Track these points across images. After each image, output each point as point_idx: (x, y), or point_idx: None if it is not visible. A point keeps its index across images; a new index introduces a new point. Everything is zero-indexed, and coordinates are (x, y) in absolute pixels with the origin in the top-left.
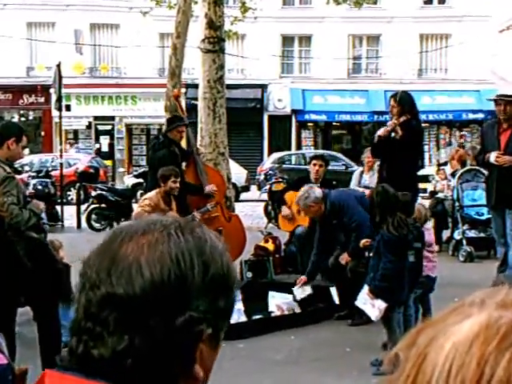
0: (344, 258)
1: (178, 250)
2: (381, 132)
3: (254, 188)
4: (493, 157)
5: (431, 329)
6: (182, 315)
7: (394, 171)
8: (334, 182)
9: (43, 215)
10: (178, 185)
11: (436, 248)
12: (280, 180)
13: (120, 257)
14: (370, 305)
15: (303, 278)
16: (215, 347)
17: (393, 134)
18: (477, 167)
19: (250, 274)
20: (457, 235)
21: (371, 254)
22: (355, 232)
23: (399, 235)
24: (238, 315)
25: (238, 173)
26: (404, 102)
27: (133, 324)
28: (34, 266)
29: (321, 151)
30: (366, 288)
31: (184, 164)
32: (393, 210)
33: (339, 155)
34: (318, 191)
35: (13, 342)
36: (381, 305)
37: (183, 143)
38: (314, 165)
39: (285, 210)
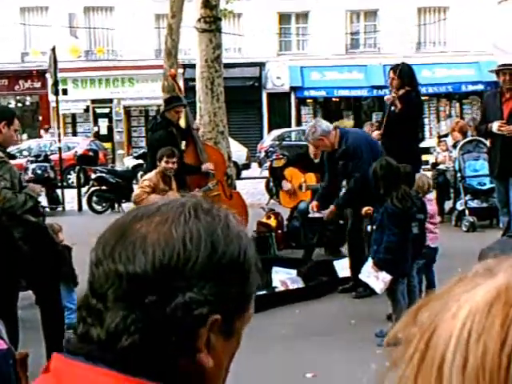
0: (330, 209)
1: (186, 228)
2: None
3: (254, 165)
4: (495, 126)
5: (435, 302)
6: (180, 296)
7: (393, 144)
8: None
9: (43, 199)
10: (171, 165)
11: (438, 219)
12: (281, 157)
13: (128, 234)
14: (374, 277)
15: (315, 203)
16: (229, 338)
17: (392, 108)
18: (478, 138)
19: None
20: (459, 206)
21: (374, 227)
22: (352, 185)
23: (403, 208)
24: None
25: (238, 151)
26: (404, 74)
27: (129, 302)
28: (33, 249)
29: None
30: (370, 261)
31: (184, 143)
32: (397, 182)
33: None
34: (324, 124)
35: (16, 327)
36: (385, 277)
37: (182, 123)
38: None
39: (286, 185)
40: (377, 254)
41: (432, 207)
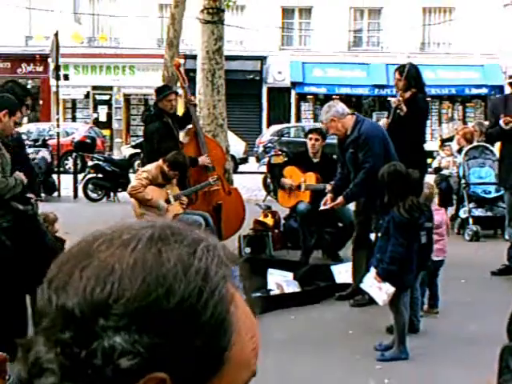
0: (337, 201)
1: (131, 255)
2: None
3: (252, 160)
4: (501, 122)
5: None
6: (103, 339)
7: (397, 148)
8: (335, 156)
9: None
10: (172, 174)
11: (443, 228)
12: (279, 153)
13: (77, 255)
14: (377, 288)
15: (330, 195)
16: None
17: (397, 111)
18: (484, 144)
19: (248, 250)
20: (463, 214)
21: (379, 234)
22: (362, 177)
23: (411, 218)
24: None
25: (236, 144)
26: (410, 75)
27: (49, 335)
28: (20, 238)
29: (319, 124)
30: (372, 270)
31: (184, 133)
32: (405, 191)
33: None
34: (340, 106)
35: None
36: (389, 289)
37: (180, 111)
38: (310, 139)
39: (286, 182)
40: (380, 263)
41: (438, 217)
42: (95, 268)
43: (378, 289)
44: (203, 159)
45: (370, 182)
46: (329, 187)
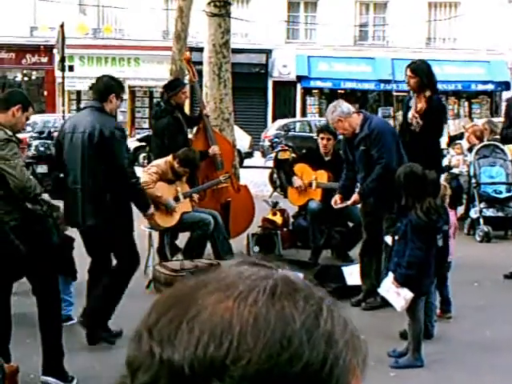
0: (353, 198)
1: (251, 311)
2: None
3: (257, 154)
4: None
5: None
6: None
7: (415, 149)
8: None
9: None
10: (182, 170)
11: (452, 230)
12: (286, 148)
13: (181, 304)
14: (395, 293)
15: (338, 196)
16: None
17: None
18: (495, 142)
19: (257, 249)
20: (473, 214)
21: (396, 238)
22: (378, 171)
23: (429, 220)
24: None
25: (241, 139)
26: (422, 73)
27: None
28: (28, 237)
29: (325, 119)
30: (390, 275)
31: (194, 130)
32: (422, 193)
33: None
34: (345, 106)
35: (8, 320)
36: (407, 294)
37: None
38: (322, 138)
39: (297, 181)
40: (398, 268)
41: (452, 218)
42: (207, 321)
43: (396, 294)
44: (213, 149)
45: (385, 178)
46: (356, 197)
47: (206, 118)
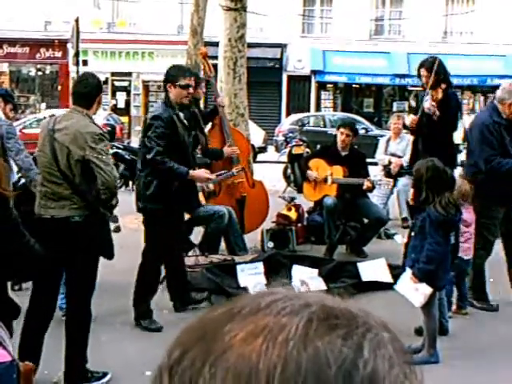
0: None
1: (281, 353)
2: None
3: (271, 149)
4: None
5: None
6: None
7: (431, 144)
8: (356, 146)
9: None
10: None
11: (473, 226)
12: (300, 143)
13: (208, 338)
14: (413, 289)
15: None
16: None
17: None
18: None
19: (271, 244)
20: None
21: (413, 234)
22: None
23: (447, 215)
24: (260, 290)
25: (255, 133)
26: (441, 70)
27: None
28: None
29: (340, 114)
30: (408, 271)
31: (209, 126)
32: (442, 187)
33: (359, 118)
34: None
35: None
36: (426, 290)
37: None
38: (342, 133)
39: (312, 174)
40: (416, 263)
41: (470, 215)
42: (232, 365)
43: (414, 290)
44: (228, 150)
45: None
46: (368, 184)
47: (221, 108)
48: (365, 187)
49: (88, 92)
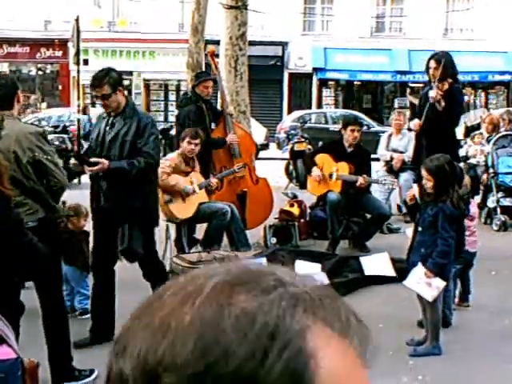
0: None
1: (188, 314)
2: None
3: (273, 146)
4: None
5: None
6: None
7: (434, 139)
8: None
9: None
10: (193, 147)
11: (476, 220)
12: (302, 140)
13: (140, 315)
14: (426, 284)
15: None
16: None
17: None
18: None
19: (274, 240)
20: (490, 203)
21: (419, 229)
22: None
23: (460, 209)
24: None
25: (257, 131)
26: (449, 64)
27: None
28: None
29: (341, 110)
30: (419, 266)
31: (213, 125)
32: (453, 182)
33: (361, 115)
34: None
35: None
36: (440, 284)
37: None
38: (352, 131)
39: (315, 171)
40: (430, 258)
41: (473, 208)
42: (155, 328)
43: (427, 284)
44: (230, 138)
45: None
46: (362, 180)
47: (230, 116)
48: (358, 184)
49: (4, 94)
